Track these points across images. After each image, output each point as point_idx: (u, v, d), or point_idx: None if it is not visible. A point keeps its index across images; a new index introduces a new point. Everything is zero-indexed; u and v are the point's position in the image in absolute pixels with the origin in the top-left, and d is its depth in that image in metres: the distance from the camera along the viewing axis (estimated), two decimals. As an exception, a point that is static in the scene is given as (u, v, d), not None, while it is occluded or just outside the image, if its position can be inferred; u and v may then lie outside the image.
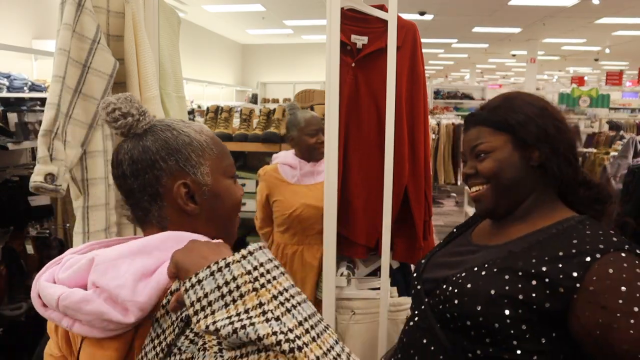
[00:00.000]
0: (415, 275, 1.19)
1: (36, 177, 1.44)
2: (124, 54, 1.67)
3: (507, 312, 0.93)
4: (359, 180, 1.91)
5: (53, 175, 1.45)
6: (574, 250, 0.93)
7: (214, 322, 0.60)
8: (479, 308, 0.95)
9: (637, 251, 0.92)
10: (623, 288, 0.87)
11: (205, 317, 0.61)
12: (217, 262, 0.64)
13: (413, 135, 1.89)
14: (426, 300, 1.08)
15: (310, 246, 2.28)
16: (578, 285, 0.89)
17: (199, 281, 0.63)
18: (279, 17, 9.70)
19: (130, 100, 0.85)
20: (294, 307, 0.63)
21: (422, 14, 8.87)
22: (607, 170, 3.23)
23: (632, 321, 0.84)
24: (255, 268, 0.64)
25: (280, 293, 0.63)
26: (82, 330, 0.74)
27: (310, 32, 11.32)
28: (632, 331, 0.84)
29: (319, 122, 2.27)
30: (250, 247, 0.66)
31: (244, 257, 0.65)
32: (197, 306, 0.62)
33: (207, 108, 3.19)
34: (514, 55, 14.86)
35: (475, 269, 1.01)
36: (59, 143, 1.47)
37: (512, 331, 0.93)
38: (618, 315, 0.86)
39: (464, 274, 1.02)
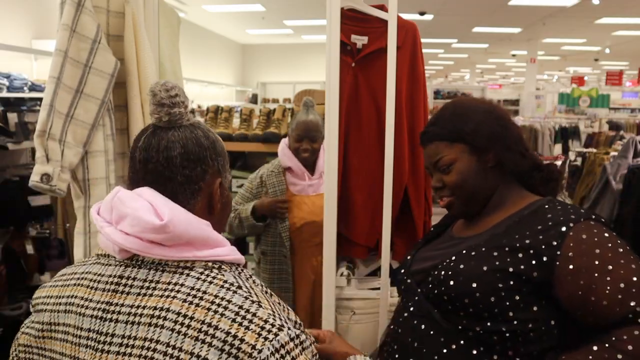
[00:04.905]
0: (402, 271, 1.26)
1: (33, 177, 1.46)
2: (124, 54, 1.67)
3: (500, 285, 1.01)
4: (359, 180, 1.91)
5: (49, 176, 1.46)
6: (550, 223, 1.03)
7: None
8: (474, 285, 1.03)
9: (602, 220, 1.04)
10: (597, 250, 0.97)
11: None
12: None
13: (413, 135, 1.88)
14: (419, 290, 1.14)
15: (307, 258, 2.25)
16: (558, 252, 0.99)
17: None
18: (279, 17, 9.70)
19: (184, 92, 0.86)
20: None
21: (422, 14, 8.87)
22: (607, 170, 3.23)
23: (608, 278, 0.94)
24: None
25: None
26: (118, 237, 0.77)
27: (310, 32, 11.32)
28: (609, 287, 0.93)
29: (309, 128, 2.22)
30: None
31: None
32: None
33: (207, 108, 3.19)
34: (514, 55, 14.85)
35: (464, 251, 1.09)
36: (53, 143, 1.48)
37: (507, 303, 1.01)
38: (596, 275, 0.95)
39: (454, 258, 1.10)
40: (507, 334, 1.01)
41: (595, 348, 0.92)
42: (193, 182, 0.84)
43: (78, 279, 0.84)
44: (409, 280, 1.20)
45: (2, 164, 3.18)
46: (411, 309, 1.15)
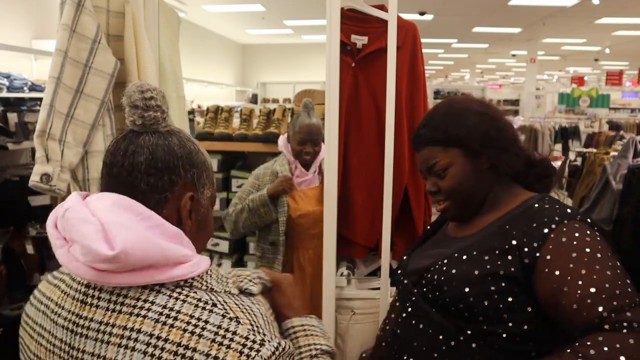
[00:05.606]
0: (399, 272, 1.25)
1: (33, 177, 1.46)
2: (124, 54, 1.66)
3: (492, 288, 1.00)
4: (359, 180, 1.91)
5: (48, 176, 1.46)
6: (534, 224, 1.02)
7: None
8: (467, 290, 1.02)
9: (588, 220, 1.01)
10: (574, 254, 0.95)
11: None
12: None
13: (413, 135, 1.89)
14: (415, 291, 1.14)
15: (304, 250, 2.27)
16: (538, 254, 0.98)
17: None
18: (279, 17, 9.70)
19: (164, 96, 0.82)
20: None
21: (422, 14, 8.87)
22: (607, 170, 3.23)
23: (579, 282, 0.92)
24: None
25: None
26: (71, 265, 0.72)
27: (310, 32, 11.32)
28: (579, 291, 0.92)
29: (312, 132, 2.23)
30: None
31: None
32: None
33: (207, 108, 3.19)
34: (514, 55, 14.85)
35: (456, 254, 1.08)
36: (53, 143, 1.48)
37: (501, 305, 1.00)
38: (568, 278, 0.94)
39: (446, 261, 1.09)
40: (504, 335, 1.01)
41: (560, 354, 0.91)
42: (158, 191, 0.78)
43: (55, 277, 0.83)
44: (405, 281, 1.20)
45: (2, 164, 3.18)
46: (409, 309, 1.15)
